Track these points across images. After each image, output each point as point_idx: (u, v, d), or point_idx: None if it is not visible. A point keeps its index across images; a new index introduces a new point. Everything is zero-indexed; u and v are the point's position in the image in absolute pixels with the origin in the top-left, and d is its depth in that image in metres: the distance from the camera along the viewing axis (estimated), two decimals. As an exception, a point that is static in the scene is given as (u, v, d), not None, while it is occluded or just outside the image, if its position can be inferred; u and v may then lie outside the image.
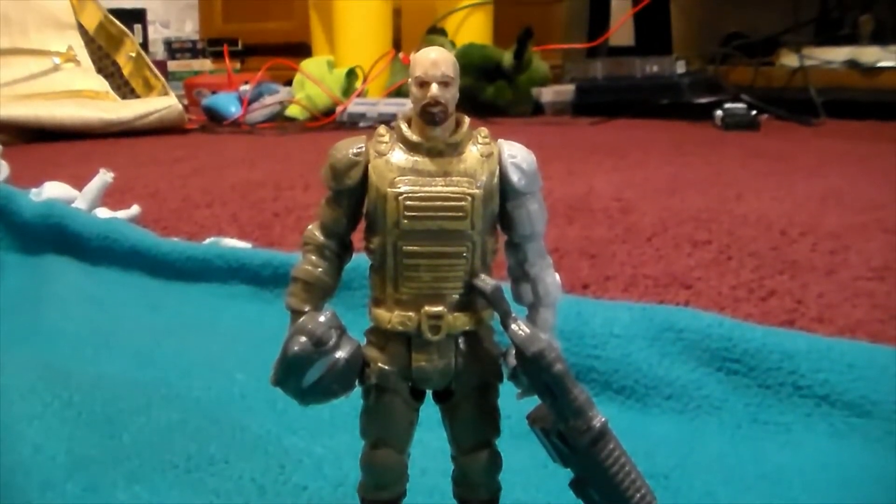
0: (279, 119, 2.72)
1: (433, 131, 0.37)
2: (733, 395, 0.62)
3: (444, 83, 0.36)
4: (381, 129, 0.38)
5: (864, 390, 0.59)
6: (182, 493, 0.51)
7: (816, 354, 0.61)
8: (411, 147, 0.37)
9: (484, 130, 0.38)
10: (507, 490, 0.42)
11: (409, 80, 0.37)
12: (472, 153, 0.38)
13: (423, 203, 0.37)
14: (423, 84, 0.36)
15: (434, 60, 0.36)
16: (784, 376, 0.61)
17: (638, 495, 0.38)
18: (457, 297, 0.38)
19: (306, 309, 0.38)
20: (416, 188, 0.37)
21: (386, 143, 0.38)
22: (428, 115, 0.36)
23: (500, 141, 0.38)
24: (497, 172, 0.38)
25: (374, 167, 0.37)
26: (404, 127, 0.38)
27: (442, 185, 0.37)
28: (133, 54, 2.72)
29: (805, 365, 0.61)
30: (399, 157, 0.37)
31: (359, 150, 0.38)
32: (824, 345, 0.62)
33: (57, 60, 2.58)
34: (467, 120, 0.38)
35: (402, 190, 0.37)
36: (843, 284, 0.88)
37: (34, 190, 1.19)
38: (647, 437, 0.58)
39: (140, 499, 0.50)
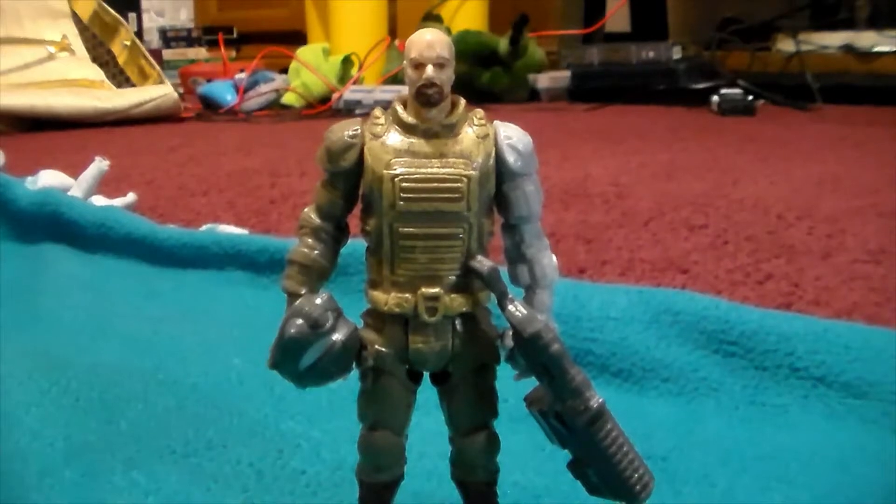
0: (275, 107, 2.71)
1: (429, 113, 0.37)
2: (730, 377, 0.62)
3: (440, 65, 0.36)
4: (377, 111, 0.38)
5: (861, 372, 0.59)
6: (180, 479, 0.51)
7: (813, 336, 0.61)
8: (407, 129, 0.37)
9: (480, 112, 0.38)
10: (504, 472, 0.42)
11: (405, 62, 0.37)
12: (468, 135, 0.37)
13: (419, 185, 0.37)
14: (419, 66, 0.36)
15: (429, 42, 0.36)
16: (781, 358, 0.61)
17: (636, 476, 0.37)
18: (453, 278, 0.38)
19: (303, 291, 0.38)
20: (412, 170, 0.37)
21: (382, 125, 0.38)
22: (423, 97, 0.36)
23: (496, 122, 0.38)
24: (493, 154, 0.38)
25: (370, 149, 0.37)
26: (400, 109, 0.38)
27: (438, 167, 0.37)
28: (128, 43, 2.71)
29: (802, 347, 0.61)
30: (395, 138, 0.37)
31: (354, 133, 0.38)
32: (821, 327, 0.62)
33: (51, 49, 2.57)
34: (463, 102, 0.38)
35: (397, 172, 0.37)
36: (840, 268, 0.88)
37: (30, 178, 1.19)
38: (644, 419, 0.58)
39: (138, 484, 0.50)
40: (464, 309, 0.38)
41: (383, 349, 0.38)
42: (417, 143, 0.37)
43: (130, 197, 1.18)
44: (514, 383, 0.39)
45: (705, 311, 0.64)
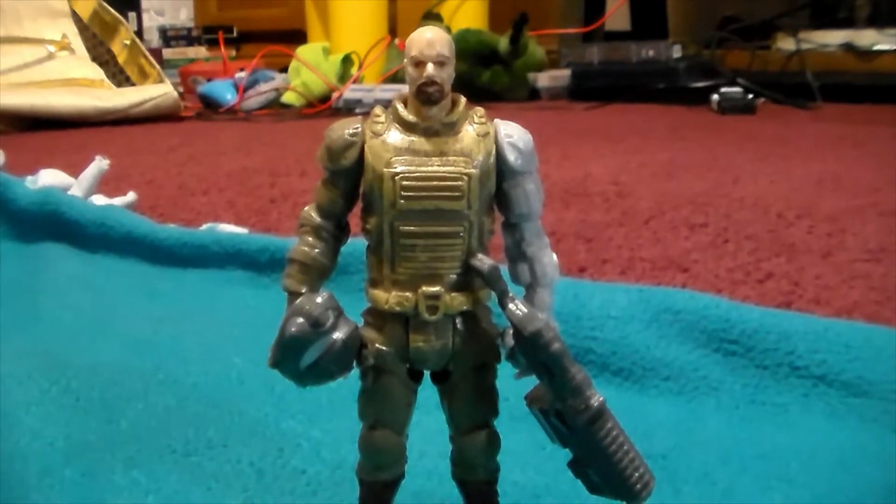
0: (275, 106, 2.71)
1: (429, 111, 0.37)
2: (731, 376, 0.62)
3: (440, 63, 0.36)
4: (377, 109, 0.38)
5: (861, 370, 0.59)
6: (180, 478, 0.51)
7: (813, 335, 0.61)
8: (407, 127, 0.37)
9: (480, 110, 0.38)
10: (505, 471, 0.42)
11: (405, 60, 0.37)
12: (469, 133, 0.37)
13: (420, 183, 0.37)
14: (419, 64, 0.36)
15: (430, 40, 0.36)
16: (781, 357, 0.61)
17: (636, 475, 0.37)
18: (454, 277, 0.38)
19: (303, 290, 0.38)
20: (413, 168, 0.37)
21: (382, 123, 0.38)
22: (424, 95, 0.36)
23: (497, 121, 0.38)
24: (493, 152, 0.38)
25: (371, 147, 0.37)
26: (400, 107, 0.38)
27: (438, 165, 0.37)
28: (128, 42, 2.71)
29: (802, 345, 0.61)
30: (395, 137, 0.37)
31: (355, 131, 0.38)
32: (821, 325, 0.62)
33: (51, 49, 2.57)
34: (463, 100, 0.38)
35: (398, 170, 0.37)
36: (840, 267, 0.88)
37: (30, 178, 1.19)
38: (644, 418, 0.58)
39: (138, 484, 0.50)
40: (464, 307, 0.38)
41: (384, 348, 0.38)
42: (418, 141, 0.37)
43: (130, 196, 1.17)
44: (515, 382, 0.39)
45: (705, 309, 0.64)
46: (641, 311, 0.65)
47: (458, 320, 0.38)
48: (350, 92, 2.54)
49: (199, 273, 0.92)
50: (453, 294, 0.38)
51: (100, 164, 1.16)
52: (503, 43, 2.73)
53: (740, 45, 2.60)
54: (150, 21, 4.46)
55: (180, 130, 2.34)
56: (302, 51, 2.81)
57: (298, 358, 0.37)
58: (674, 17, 2.99)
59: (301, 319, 0.36)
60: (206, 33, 4.06)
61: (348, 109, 2.49)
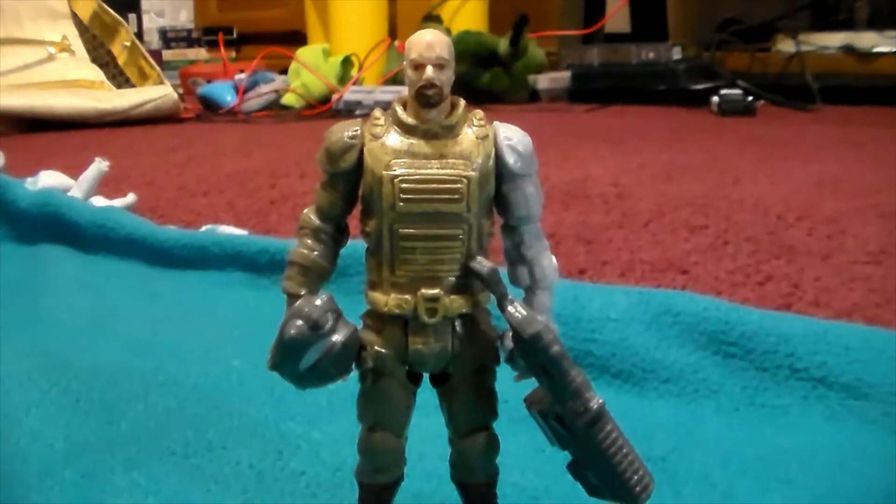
0: (275, 107, 2.72)
1: (428, 114, 0.37)
2: (730, 379, 0.62)
3: (440, 65, 0.36)
4: (377, 112, 0.38)
5: (861, 373, 0.59)
6: (180, 479, 0.51)
7: (813, 337, 0.61)
8: (407, 130, 0.37)
9: (479, 113, 0.38)
10: (504, 474, 0.42)
11: (405, 63, 0.37)
12: (468, 135, 0.37)
13: (419, 185, 0.37)
14: (419, 66, 0.36)
15: (429, 43, 0.36)
16: (781, 359, 0.61)
17: (636, 477, 0.37)
18: (453, 279, 0.37)
19: (303, 293, 0.38)
20: (412, 171, 0.37)
21: (381, 126, 0.38)
22: (423, 98, 0.36)
23: (496, 123, 0.38)
24: (493, 155, 0.38)
25: (370, 150, 0.37)
26: (399, 110, 0.38)
27: (437, 168, 0.37)
28: (128, 43, 2.71)
29: (802, 348, 0.61)
30: (394, 139, 0.37)
31: (354, 133, 0.38)
32: (821, 328, 0.62)
33: (51, 50, 2.57)
34: (462, 102, 0.38)
35: (397, 172, 0.37)
36: (840, 268, 0.88)
37: (30, 179, 1.19)
38: (644, 420, 0.58)
39: (138, 485, 0.50)
40: (463, 310, 0.38)
41: (383, 350, 0.38)
42: (417, 143, 0.37)
43: (130, 198, 1.18)
44: (514, 384, 0.39)
45: (705, 312, 0.64)
46: (641, 313, 0.65)
47: (457, 323, 0.38)
48: (350, 94, 2.54)
49: (198, 275, 0.92)
50: (452, 297, 0.38)
51: (99, 165, 1.16)
52: (503, 45, 2.73)
53: (740, 46, 2.60)
54: (150, 22, 4.46)
55: (180, 132, 2.34)
56: (302, 52, 2.82)
57: (298, 360, 0.37)
58: (674, 18, 3.00)
59: (300, 322, 0.36)
60: (206, 35, 4.06)
61: (348, 111, 2.49)
